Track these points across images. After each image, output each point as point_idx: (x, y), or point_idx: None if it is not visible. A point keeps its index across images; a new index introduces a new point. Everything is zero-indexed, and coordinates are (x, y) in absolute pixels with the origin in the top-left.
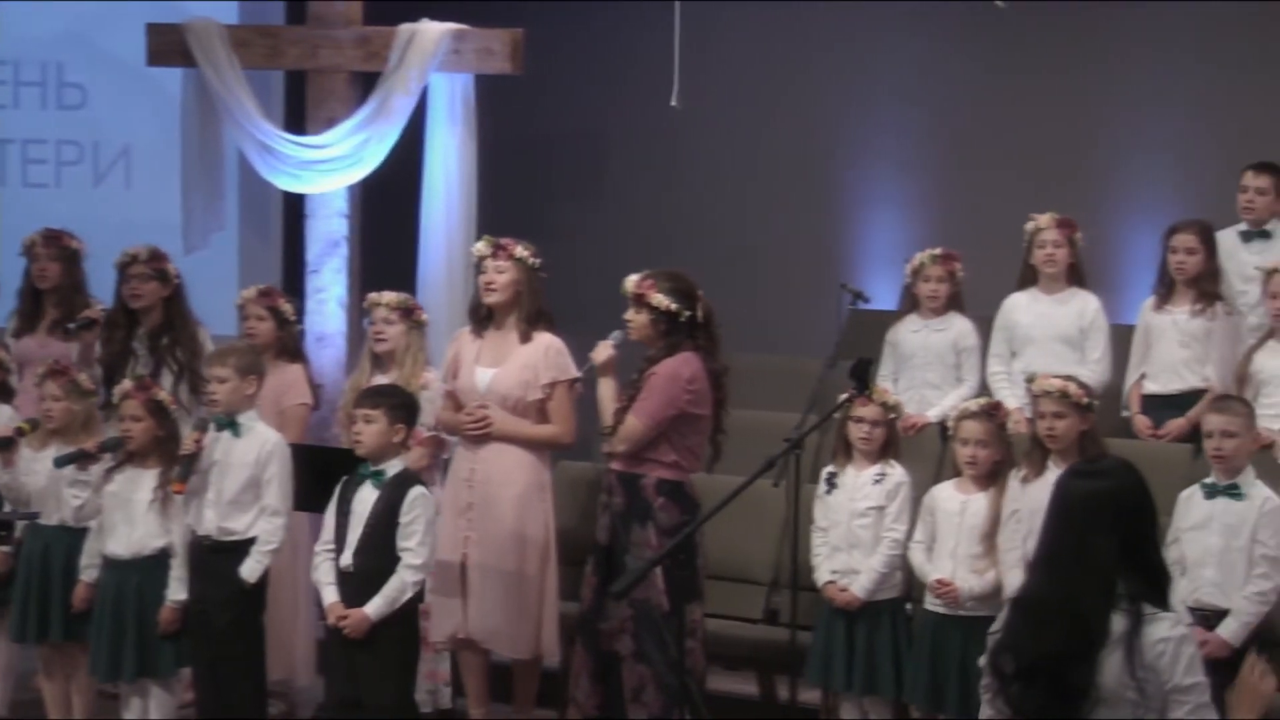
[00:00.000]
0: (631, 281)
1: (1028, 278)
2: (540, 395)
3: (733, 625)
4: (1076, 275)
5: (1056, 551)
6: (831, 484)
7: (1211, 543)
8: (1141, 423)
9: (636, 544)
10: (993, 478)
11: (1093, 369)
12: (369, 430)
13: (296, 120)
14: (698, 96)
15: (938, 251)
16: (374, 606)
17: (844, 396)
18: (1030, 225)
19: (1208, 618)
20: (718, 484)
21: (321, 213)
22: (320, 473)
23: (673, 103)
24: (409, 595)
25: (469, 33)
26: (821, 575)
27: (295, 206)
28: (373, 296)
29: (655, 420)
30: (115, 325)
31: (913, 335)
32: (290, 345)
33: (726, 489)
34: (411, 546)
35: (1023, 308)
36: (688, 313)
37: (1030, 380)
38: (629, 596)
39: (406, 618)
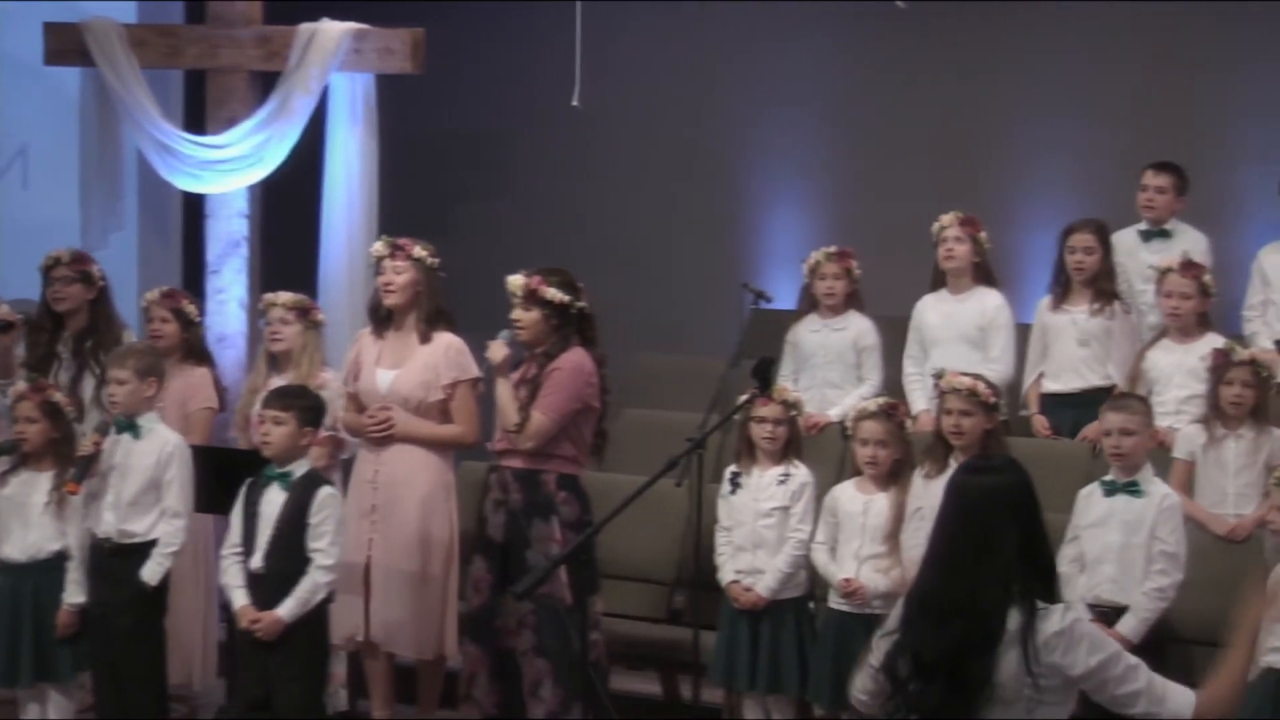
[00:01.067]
0: (519, 280)
1: (939, 279)
2: (442, 395)
3: (636, 625)
4: (983, 274)
5: (957, 548)
6: (735, 484)
7: (1111, 540)
8: (1039, 423)
9: (540, 539)
10: (894, 477)
11: (994, 366)
12: (278, 432)
13: (196, 120)
14: (599, 96)
15: (833, 250)
16: (287, 608)
17: (745, 396)
18: (936, 226)
19: (1107, 614)
20: (619, 483)
21: (222, 213)
22: (223, 474)
23: (574, 102)
24: (321, 596)
25: (369, 32)
26: (725, 575)
27: (195, 206)
28: (269, 297)
29: (562, 414)
30: (40, 329)
31: (813, 335)
32: (196, 347)
33: (627, 488)
34: (322, 547)
35: (930, 308)
36: (579, 305)
37: (938, 377)
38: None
39: (317, 619)
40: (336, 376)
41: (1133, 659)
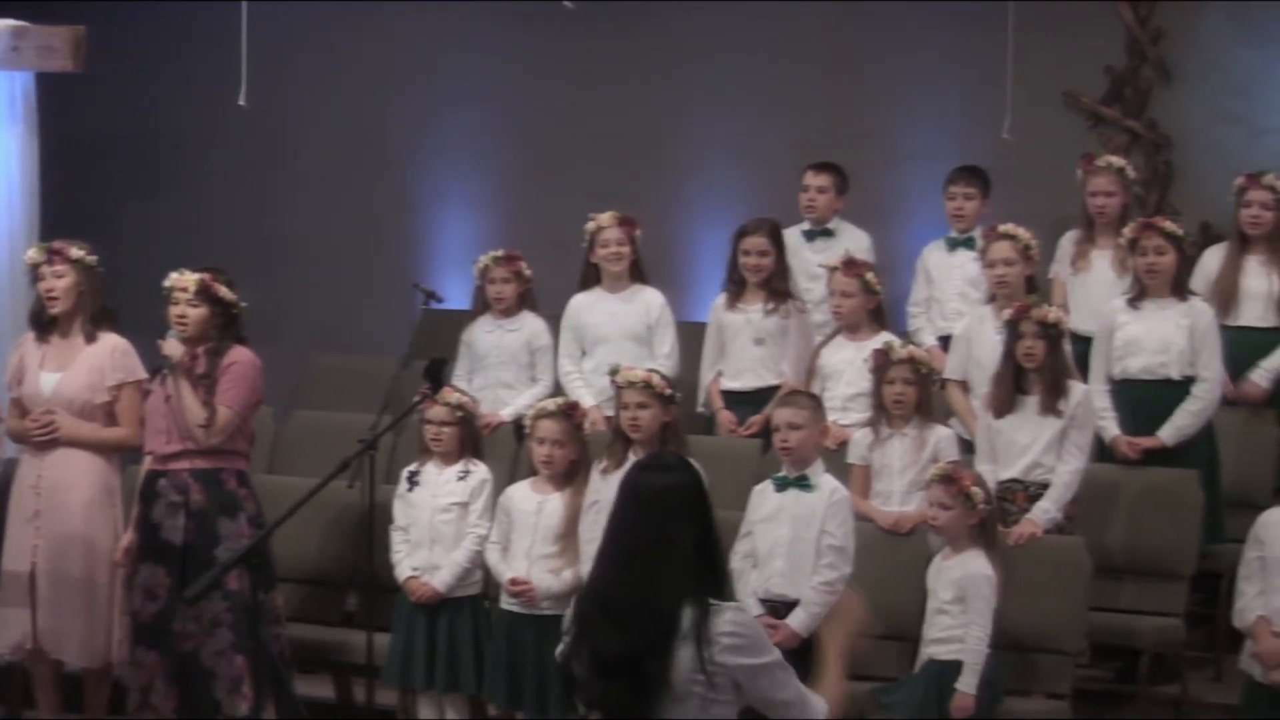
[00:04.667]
0: (192, 277)
1: (590, 277)
2: (108, 398)
3: (308, 628)
4: (638, 272)
5: (637, 549)
6: (413, 481)
7: (781, 534)
8: (726, 418)
9: (229, 537)
10: (569, 477)
11: (663, 363)
12: None
13: None
14: (266, 95)
15: (501, 254)
16: None
17: (418, 397)
18: (591, 225)
19: (777, 608)
20: (289, 485)
21: None
22: None
23: (241, 102)
24: None
25: (29, 30)
26: (402, 571)
27: None
28: None
29: (246, 407)
30: None
31: (486, 335)
32: None
33: (298, 490)
34: None
35: (589, 307)
36: (242, 304)
37: (614, 373)
38: (224, 589)
39: None
40: None
41: (786, 665)
